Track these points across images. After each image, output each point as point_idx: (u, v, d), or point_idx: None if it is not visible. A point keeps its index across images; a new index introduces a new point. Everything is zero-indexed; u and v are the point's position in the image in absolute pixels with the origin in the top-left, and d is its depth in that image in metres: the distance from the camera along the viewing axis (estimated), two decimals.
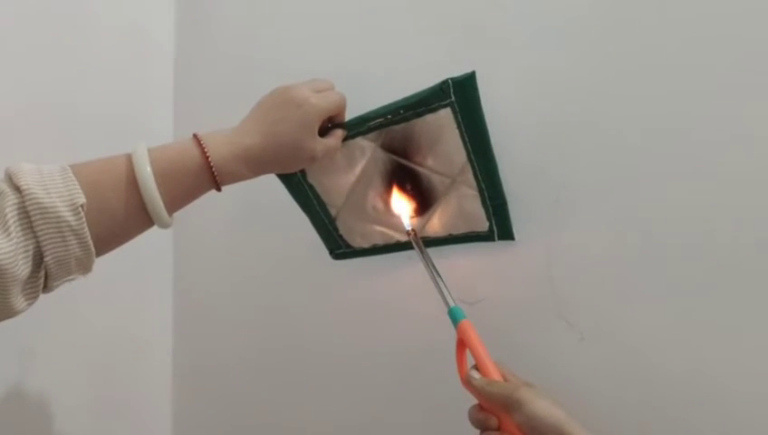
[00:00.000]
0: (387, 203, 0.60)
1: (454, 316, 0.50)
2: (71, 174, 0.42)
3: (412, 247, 0.62)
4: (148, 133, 0.81)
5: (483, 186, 0.57)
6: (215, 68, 0.82)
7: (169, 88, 0.86)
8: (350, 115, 0.57)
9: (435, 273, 0.53)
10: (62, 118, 0.70)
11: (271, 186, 0.61)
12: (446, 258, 0.60)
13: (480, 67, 0.54)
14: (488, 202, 0.58)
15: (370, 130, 0.57)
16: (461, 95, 0.54)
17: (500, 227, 0.58)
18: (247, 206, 0.77)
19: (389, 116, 0.56)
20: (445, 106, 0.54)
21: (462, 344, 0.49)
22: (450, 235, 0.61)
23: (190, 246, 0.85)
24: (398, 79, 0.58)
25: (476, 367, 0.48)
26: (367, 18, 0.67)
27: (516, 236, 0.58)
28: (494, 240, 0.59)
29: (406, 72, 0.62)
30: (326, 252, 0.68)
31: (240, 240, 0.80)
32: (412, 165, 0.58)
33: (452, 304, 0.51)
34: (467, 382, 0.47)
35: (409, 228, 0.57)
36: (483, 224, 0.59)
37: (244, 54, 0.79)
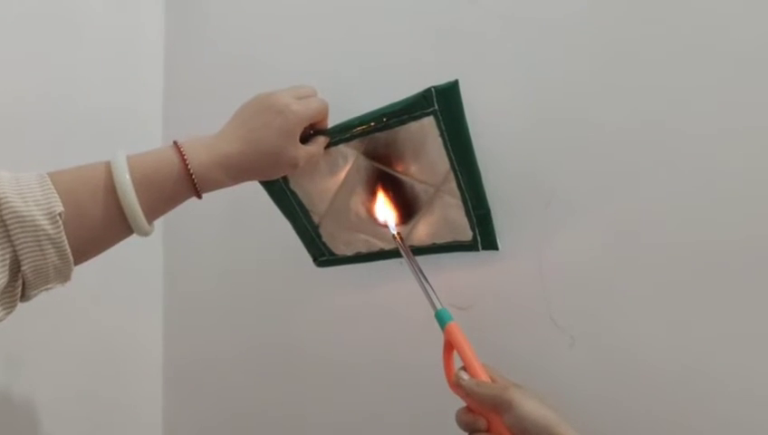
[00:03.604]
0: (370, 211, 0.60)
1: (441, 319, 0.50)
2: (48, 182, 0.42)
3: (396, 256, 0.62)
4: (138, 135, 0.82)
5: (466, 195, 0.57)
6: (204, 70, 0.82)
7: (159, 89, 0.86)
8: (332, 122, 0.57)
9: (421, 276, 0.53)
10: (51, 119, 0.70)
11: (260, 189, 0.62)
12: (437, 263, 0.60)
13: (465, 71, 0.54)
14: (472, 212, 0.57)
15: (353, 137, 0.56)
16: (444, 103, 0.53)
17: (484, 237, 0.58)
18: (237, 209, 0.78)
19: (372, 123, 0.55)
20: (428, 114, 0.54)
21: (449, 347, 0.49)
22: (434, 244, 0.60)
23: (180, 248, 0.86)
24: (381, 85, 0.59)
25: (464, 369, 0.47)
26: (354, 25, 0.67)
27: (508, 241, 0.58)
28: (477, 250, 0.59)
29: (389, 79, 0.62)
30: None
31: (230, 243, 0.81)
32: (395, 173, 0.58)
33: (439, 306, 0.50)
34: (456, 384, 0.46)
35: (395, 232, 0.57)
36: (466, 233, 0.58)
37: (233, 56, 0.79)
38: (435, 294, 0.51)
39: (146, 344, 0.85)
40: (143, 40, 0.84)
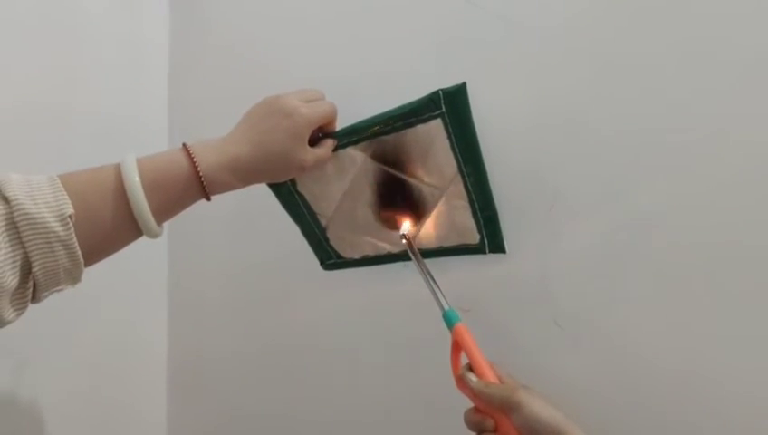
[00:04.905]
0: (377, 214, 0.60)
1: (448, 319, 0.50)
2: (59, 184, 0.42)
3: (403, 259, 0.62)
4: (143, 138, 0.82)
5: (473, 197, 0.57)
6: (208, 75, 0.82)
7: (164, 93, 0.86)
8: (340, 125, 0.57)
9: (429, 277, 0.53)
10: (55, 124, 0.70)
11: (266, 191, 0.62)
12: (442, 265, 0.60)
13: (470, 75, 0.54)
14: (479, 214, 0.57)
15: (361, 140, 0.57)
16: (451, 106, 0.54)
17: (491, 239, 0.58)
18: (242, 209, 0.78)
19: (380, 126, 0.56)
20: (435, 117, 0.54)
21: (457, 347, 0.49)
22: (441, 247, 0.60)
23: (185, 248, 0.86)
24: (389, 88, 0.58)
25: (471, 369, 0.47)
26: (359, 29, 0.67)
27: (512, 243, 0.58)
28: (485, 253, 0.59)
29: (395, 82, 0.62)
30: None
31: (234, 243, 0.81)
32: (403, 176, 0.58)
33: (446, 307, 0.51)
34: (463, 385, 0.47)
35: (404, 232, 0.57)
36: (474, 236, 0.59)
37: (237, 60, 0.79)
38: (443, 294, 0.52)
39: (150, 344, 0.85)
40: (148, 45, 0.84)
